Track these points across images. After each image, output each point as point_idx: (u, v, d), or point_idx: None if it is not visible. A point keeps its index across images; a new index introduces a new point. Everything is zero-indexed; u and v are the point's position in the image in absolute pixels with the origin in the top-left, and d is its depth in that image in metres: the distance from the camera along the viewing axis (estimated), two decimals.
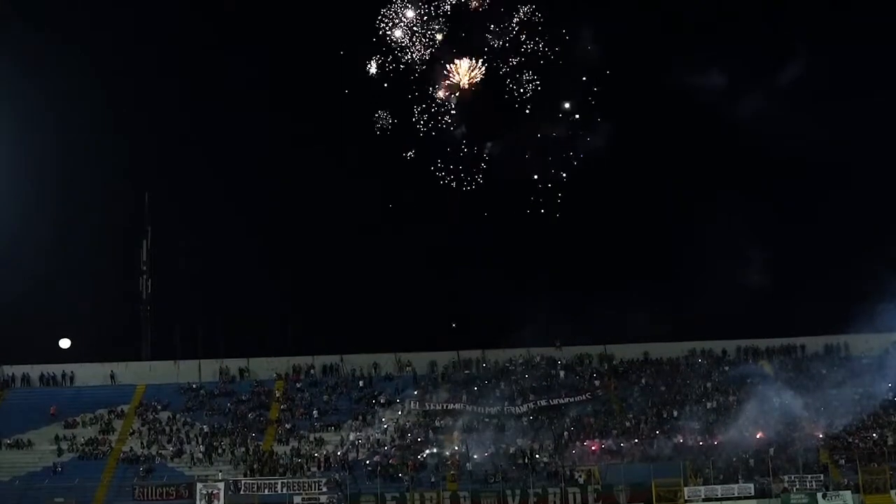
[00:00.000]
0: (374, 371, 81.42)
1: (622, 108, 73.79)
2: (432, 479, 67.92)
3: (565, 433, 73.05)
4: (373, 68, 59.94)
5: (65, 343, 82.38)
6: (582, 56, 67.42)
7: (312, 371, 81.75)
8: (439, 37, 59.60)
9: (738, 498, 64.45)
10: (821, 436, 70.94)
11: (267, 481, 66.22)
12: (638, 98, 75.42)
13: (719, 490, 65.03)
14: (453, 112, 64.52)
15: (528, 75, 62.95)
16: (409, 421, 74.70)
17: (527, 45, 63.40)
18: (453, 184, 68.66)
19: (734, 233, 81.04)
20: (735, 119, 78.59)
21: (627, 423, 74.09)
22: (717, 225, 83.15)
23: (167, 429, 75.13)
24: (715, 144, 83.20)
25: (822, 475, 66.15)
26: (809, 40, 73.43)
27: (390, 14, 59.25)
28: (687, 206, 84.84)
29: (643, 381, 79.41)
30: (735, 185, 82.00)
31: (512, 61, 62.19)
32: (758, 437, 70.69)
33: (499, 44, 61.36)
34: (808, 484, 64.84)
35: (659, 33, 76.73)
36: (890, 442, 70.09)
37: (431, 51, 59.83)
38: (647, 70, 75.50)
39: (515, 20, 61.83)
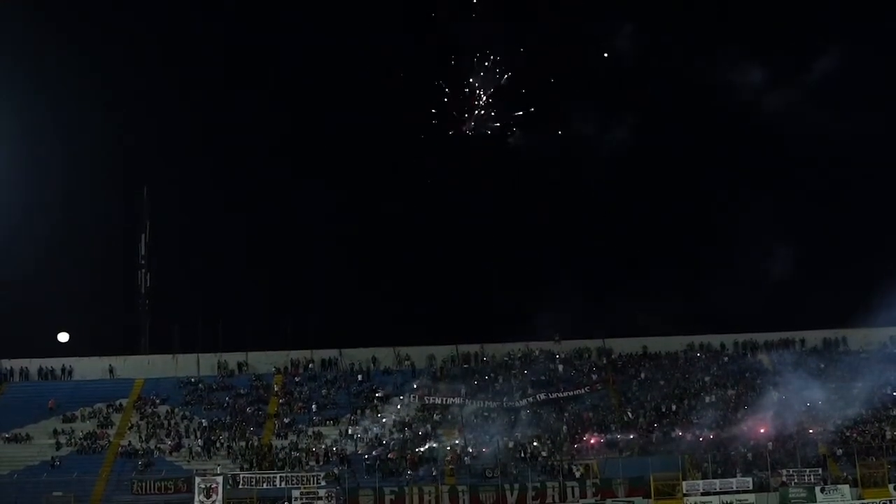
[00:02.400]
0: (372, 365, 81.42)
1: (632, 104, 74.09)
2: (433, 473, 67.91)
3: (564, 427, 73.07)
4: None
5: (63, 337, 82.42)
6: (611, 51, 67.84)
7: (311, 365, 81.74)
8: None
9: (737, 492, 64.41)
10: (819, 430, 70.96)
11: (265, 475, 66.17)
12: (648, 93, 75.70)
13: (717, 484, 65.01)
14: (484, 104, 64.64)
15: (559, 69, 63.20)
16: (407, 415, 74.64)
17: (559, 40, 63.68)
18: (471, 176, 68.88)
19: (733, 228, 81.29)
20: (741, 114, 78.94)
21: (626, 418, 74.14)
22: (715, 220, 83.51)
23: (166, 423, 75.15)
24: (719, 140, 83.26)
25: (820, 469, 66.22)
26: (834, 35, 73.54)
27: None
28: (687, 202, 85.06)
29: (642, 375, 79.47)
30: (736, 182, 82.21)
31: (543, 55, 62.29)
32: (756, 431, 70.72)
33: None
34: (806, 478, 64.89)
35: (687, 29, 76.80)
36: (888, 436, 70.14)
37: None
38: (671, 63, 75.59)
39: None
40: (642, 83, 75.59)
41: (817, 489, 63.64)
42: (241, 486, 64.88)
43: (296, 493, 63.95)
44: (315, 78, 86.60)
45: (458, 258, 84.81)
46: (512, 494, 65.30)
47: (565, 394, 76.67)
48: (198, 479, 63.66)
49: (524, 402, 75.49)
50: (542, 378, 78.60)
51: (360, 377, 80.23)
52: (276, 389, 79.31)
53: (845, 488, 63.84)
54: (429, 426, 73.59)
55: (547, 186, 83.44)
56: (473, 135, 68.86)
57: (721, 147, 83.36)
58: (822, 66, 72.04)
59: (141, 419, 75.63)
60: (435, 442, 71.79)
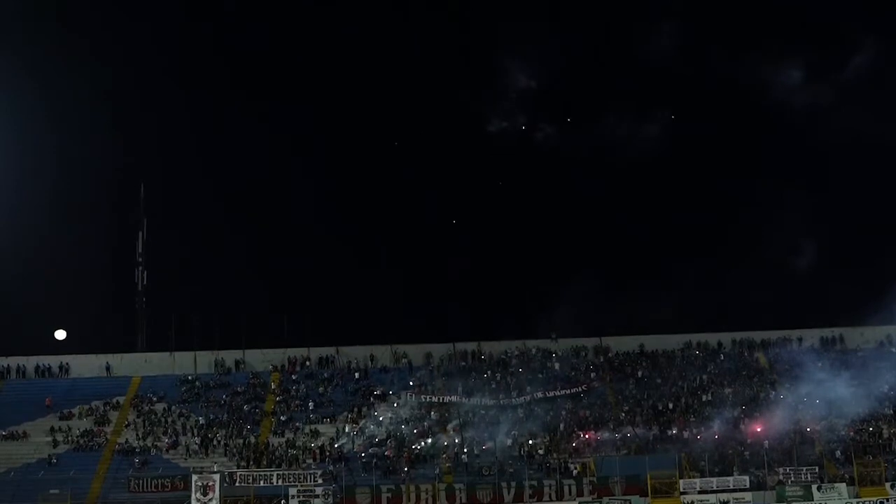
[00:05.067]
0: (369, 363, 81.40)
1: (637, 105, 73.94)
2: (436, 471, 67.89)
3: (561, 425, 73.07)
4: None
5: (60, 334, 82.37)
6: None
7: (308, 363, 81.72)
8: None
9: (734, 490, 64.41)
10: (816, 428, 70.99)
11: (262, 473, 66.10)
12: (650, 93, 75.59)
13: (714, 482, 65.00)
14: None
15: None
16: (404, 413, 74.61)
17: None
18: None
19: (731, 228, 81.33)
20: (741, 117, 78.77)
21: (623, 416, 74.13)
22: (713, 221, 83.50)
23: (163, 420, 75.11)
24: (720, 143, 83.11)
25: (816, 468, 66.18)
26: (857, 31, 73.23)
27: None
28: (685, 203, 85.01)
29: (639, 373, 79.46)
30: (735, 185, 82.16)
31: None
32: (753, 429, 70.77)
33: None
34: (803, 476, 64.88)
35: (710, 24, 76.47)
36: (885, 435, 70.24)
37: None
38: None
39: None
40: (650, 83, 75.54)
41: (814, 487, 63.66)
42: (237, 484, 64.86)
43: (293, 491, 63.95)
44: (314, 75, 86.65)
45: (455, 256, 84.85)
46: (509, 492, 65.27)
47: (562, 392, 76.63)
48: (195, 477, 63.66)
49: (521, 400, 75.47)
50: (540, 376, 78.53)
51: (357, 375, 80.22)
52: (273, 387, 79.29)
53: (842, 487, 63.87)
54: (426, 424, 73.56)
55: (546, 187, 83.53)
56: (498, 133, 68.58)
57: (721, 150, 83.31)
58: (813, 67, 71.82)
59: (138, 417, 75.59)
60: (432, 440, 71.78)
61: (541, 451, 70.31)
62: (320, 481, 65.10)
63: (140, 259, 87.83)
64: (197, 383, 79.30)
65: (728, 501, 63.51)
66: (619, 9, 72.42)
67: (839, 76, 69.83)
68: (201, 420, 74.94)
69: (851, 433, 70.50)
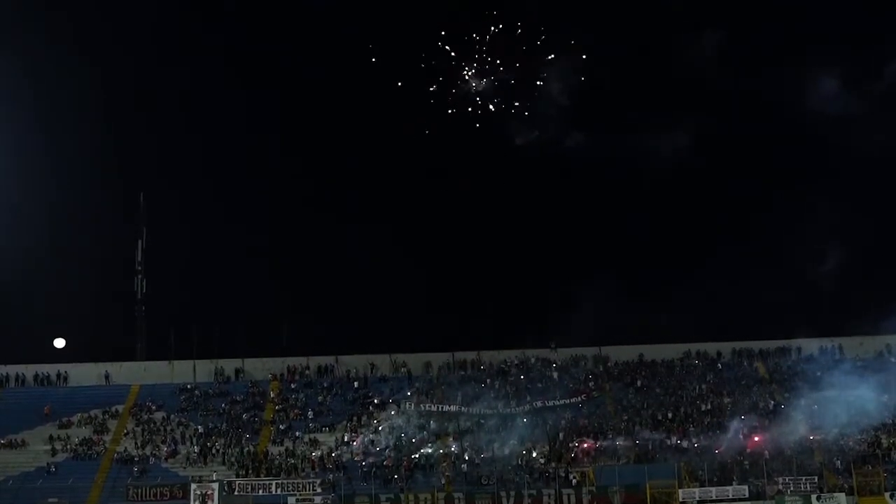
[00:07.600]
0: (369, 372, 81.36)
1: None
2: (438, 481, 67.78)
3: (560, 434, 73.01)
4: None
5: (59, 343, 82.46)
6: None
7: (307, 372, 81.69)
8: None
9: (733, 500, 64.44)
10: (815, 438, 70.94)
11: (261, 482, 66.16)
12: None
13: (713, 492, 65.00)
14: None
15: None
16: (403, 422, 74.58)
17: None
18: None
19: (729, 235, 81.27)
20: (742, 127, 78.59)
21: (622, 425, 74.08)
22: (712, 230, 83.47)
23: (161, 429, 75.04)
24: (721, 152, 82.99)
25: (816, 477, 66.15)
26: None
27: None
28: (684, 212, 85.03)
29: (638, 382, 79.41)
30: (734, 195, 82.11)
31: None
32: (752, 439, 70.74)
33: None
34: (802, 486, 64.89)
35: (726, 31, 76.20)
36: (884, 444, 70.17)
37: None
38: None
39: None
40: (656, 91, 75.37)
41: (813, 497, 63.68)
42: (236, 493, 64.89)
43: (291, 500, 64.02)
44: (316, 81, 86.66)
45: (455, 265, 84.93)
46: (508, 501, 65.25)
47: (562, 401, 76.60)
48: (193, 486, 63.71)
49: (521, 409, 75.42)
50: (539, 385, 78.53)
51: (356, 384, 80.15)
52: (272, 396, 79.21)
53: (841, 496, 63.87)
54: (425, 433, 73.50)
55: (546, 197, 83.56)
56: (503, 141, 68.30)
57: (722, 158, 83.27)
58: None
59: (137, 425, 75.52)
60: (431, 449, 71.74)
61: (540, 461, 70.25)
62: (319, 490, 65.12)
63: (139, 267, 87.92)
64: (196, 392, 79.26)
65: None
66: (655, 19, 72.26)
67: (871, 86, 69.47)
68: (200, 429, 74.87)
69: (851, 443, 70.43)
